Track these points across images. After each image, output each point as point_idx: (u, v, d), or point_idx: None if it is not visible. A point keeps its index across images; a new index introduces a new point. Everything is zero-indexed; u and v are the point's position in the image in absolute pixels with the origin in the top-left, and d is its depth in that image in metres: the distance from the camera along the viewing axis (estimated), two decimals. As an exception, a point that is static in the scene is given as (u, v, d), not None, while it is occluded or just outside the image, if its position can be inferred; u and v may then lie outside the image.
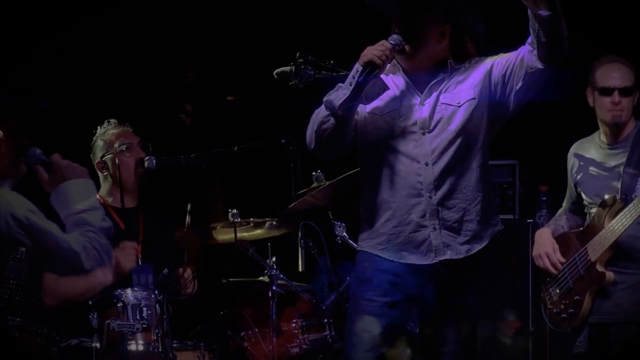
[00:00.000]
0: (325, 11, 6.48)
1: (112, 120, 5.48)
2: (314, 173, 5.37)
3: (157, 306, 4.81)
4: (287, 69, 4.80)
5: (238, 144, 5.42)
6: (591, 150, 5.02)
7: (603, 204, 4.84)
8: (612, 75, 4.91)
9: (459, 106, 4.16)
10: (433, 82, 4.19)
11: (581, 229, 4.98)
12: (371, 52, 4.03)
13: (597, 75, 4.95)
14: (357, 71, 4.03)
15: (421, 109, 4.17)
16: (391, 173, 4.18)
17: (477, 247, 4.18)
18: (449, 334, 4.15)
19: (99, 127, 5.48)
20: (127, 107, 6.29)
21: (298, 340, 5.28)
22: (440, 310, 4.16)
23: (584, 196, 4.98)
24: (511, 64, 4.16)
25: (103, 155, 5.41)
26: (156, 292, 4.84)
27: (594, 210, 4.92)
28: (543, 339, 5.25)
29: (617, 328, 4.79)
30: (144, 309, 4.77)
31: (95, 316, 4.76)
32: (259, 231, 5.43)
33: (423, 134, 4.14)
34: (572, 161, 5.08)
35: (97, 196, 5.40)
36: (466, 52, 4.26)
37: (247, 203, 5.55)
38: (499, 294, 5.55)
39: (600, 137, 5.01)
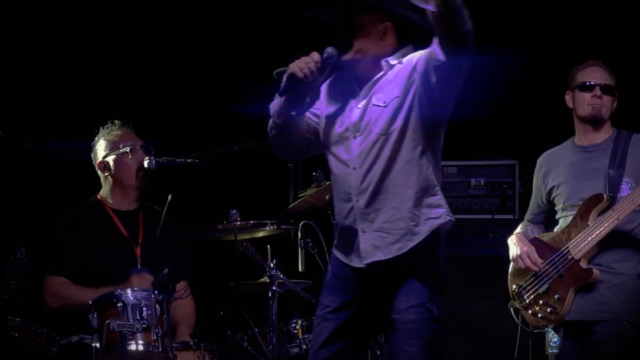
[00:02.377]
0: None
1: (116, 122, 5.48)
2: (314, 173, 5.37)
3: (157, 306, 4.81)
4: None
5: (238, 144, 5.42)
6: (568, 156, 5.06)
7: (587, 203, 4.87)
8: (594, 74, 5.01)
9: (386, 106, 4.07)
10: (370, 83, 4.14)
11: (556, 232, 5.01)
12: (296, 65, 4.04)
13: (577, 76, 5.04)
14: (282, 83, 4.06)
15: (356, 112, 4.13)
16: (333, 178, 4.19)
17: (410, 244, 4.03)
18: (392, 333, 4.04)
19: (101, 128, 5.48)
20: (127, 107, 6.31)
21: (298, 340, 5.29)
22: (382, 312, 4.05)
23: (561, 201, 5.01)
24: (426, 57, 4.03)
25: (106, 156, 5.41)
26: (156, 292, 4.85)
27: (569, 214, 4.96)
28: (543, 338, 5.24)
29: (606, 326, 4.81)
30: (144, 309, 4.77)
31: (95, 316, 4.76)
32: (259, 231, 5.43)
33: (354, 137, 4.10)
34: (543, 170, 5.13)
35: (98, 197, 5.44)
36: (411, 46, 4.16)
37: (247, 203, 5.55)
38: (499, 294, 5.55)
39: (575, 142, 5.07)
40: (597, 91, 4.98)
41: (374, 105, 4.09)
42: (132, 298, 4.78)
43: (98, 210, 5.40)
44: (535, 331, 5.01)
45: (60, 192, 6.15)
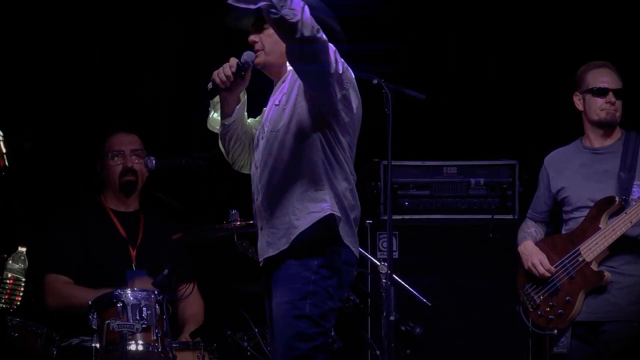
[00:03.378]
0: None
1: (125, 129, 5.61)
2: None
3: (157, 306, 4.82)
4: None
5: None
6: (576, 156, 5.04)
7: (599, 206, 4.86)
8: (605, 78, 4.96)
9: (278, 104, 4.10)
10: (277, 84, 4.17)
11: (566, 234, 5.00)
12: (215, 72, 4.08)
13: (588, 78, 4.98)
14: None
15: (264, 115, 4.17)
16: None
17: (292, 238, 3.99)
18: (275, 331, 4.03)
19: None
20: (128, 107, 6.31)
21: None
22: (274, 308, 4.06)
23: (570, 202, 4.99)
24: None
25: (101, 157, 5.50)
26: (156, 292, 4.85)
27: (578, 215, 4.94)
28: (543, 338, 5.24)
29: (615, 326, 4.82)
30: (144, 309, 4.79)
31: (95, 316, 4.77)
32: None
33: (262, 139, 4.13)
34: (551, 170, 5.09)
35: (100, 198, 5.46)
36: None
37: (247, 203, 5.54)
38: (500, 295, 5.55)
39: (584, 143, 5.04)
40: (611, 97, 4.94)
41: (273, 105, 4.13)
42: (132, 298, 4.80)
43: (98, 210, 5.44)
44: (547, 333, 5.00)
45: (60, 192, 6.15)
